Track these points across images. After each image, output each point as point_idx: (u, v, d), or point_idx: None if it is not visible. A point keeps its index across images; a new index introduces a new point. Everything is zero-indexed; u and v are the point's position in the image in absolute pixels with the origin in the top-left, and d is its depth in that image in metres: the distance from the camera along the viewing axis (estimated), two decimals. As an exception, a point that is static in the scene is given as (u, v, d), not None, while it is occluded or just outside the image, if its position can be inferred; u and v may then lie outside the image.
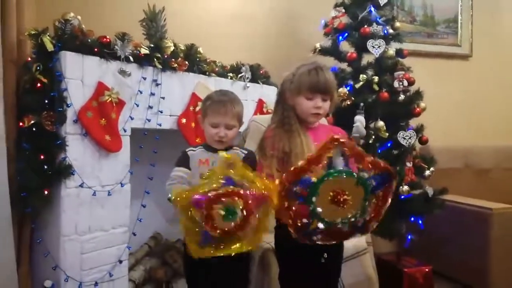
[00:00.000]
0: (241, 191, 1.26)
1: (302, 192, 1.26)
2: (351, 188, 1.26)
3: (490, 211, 2.51)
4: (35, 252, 1.83)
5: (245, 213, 1.26)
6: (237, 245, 1.31)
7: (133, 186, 2.01)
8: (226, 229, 1.26)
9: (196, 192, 1.27)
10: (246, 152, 1.59)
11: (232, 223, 1.26)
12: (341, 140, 1.27)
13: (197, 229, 1.29)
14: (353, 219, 1.28)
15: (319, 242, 1.31)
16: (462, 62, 3.60)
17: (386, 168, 1.30)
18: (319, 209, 1.25)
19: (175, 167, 1.53)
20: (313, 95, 1.51)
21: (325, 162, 1.27)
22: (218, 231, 1.26)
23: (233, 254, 1.32)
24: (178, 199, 1.28)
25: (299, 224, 1.28)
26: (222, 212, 1.25)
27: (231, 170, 1.31)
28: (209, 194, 1.25)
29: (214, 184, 1.28)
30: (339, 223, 1.27)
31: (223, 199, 1.25)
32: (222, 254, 1.32)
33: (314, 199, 1.25)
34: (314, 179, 1.25)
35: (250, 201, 1.26)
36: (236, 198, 1.25)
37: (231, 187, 1.27)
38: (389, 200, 1.32)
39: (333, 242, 1.35)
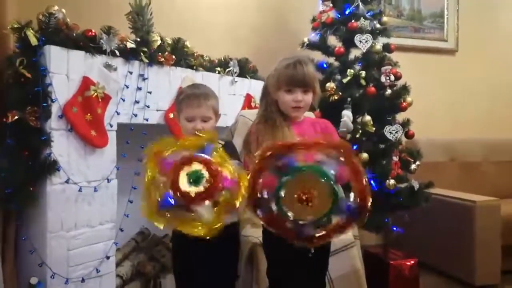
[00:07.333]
0: (212, 165, 1.25)
1: (282, 168, 1.21)
2: (319, 190, 1.18)
3: (474, 204, 2.55)
4: (20, 249, 1.80)
5: (210, 184, 1.23)
6: (195, 228, 1.26)
7: (120, 181, 2.00)
8: (189, 193, 1.23)
9: (167, 150, 1.29)
10: (223, 142, 1.59)
11: (195, 190, 1.23)
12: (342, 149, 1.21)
13: (158, 192, 1.26)
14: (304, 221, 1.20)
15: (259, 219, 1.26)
16: (449, 57, 3.64)
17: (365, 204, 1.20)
18: (283, 194, 1.19)
19: None
20: (292, 89, 1.51)
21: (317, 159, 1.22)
22: (178, 194, 1.23)
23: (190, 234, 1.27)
24: (148, 152, 1.31)
25: (259, 196, 1.23)
26: (186, 174, 1.23)
27: (214, 153, 1.29)
28: (180, 157, 1.25)
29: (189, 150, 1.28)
30: (290, 216, 1.20)
31: (191, 164, 1.24)
32: (175, 228, 1.30)
33: (285, 179, 1.19)
34: (298, 163, 1.20)
35: (218, 175, 1.24)
36: (203, 167, 1.24)
37: (204, 156, 1.26)
38: (343, 232, 1.24)
39: (269, 229, 1.27)
